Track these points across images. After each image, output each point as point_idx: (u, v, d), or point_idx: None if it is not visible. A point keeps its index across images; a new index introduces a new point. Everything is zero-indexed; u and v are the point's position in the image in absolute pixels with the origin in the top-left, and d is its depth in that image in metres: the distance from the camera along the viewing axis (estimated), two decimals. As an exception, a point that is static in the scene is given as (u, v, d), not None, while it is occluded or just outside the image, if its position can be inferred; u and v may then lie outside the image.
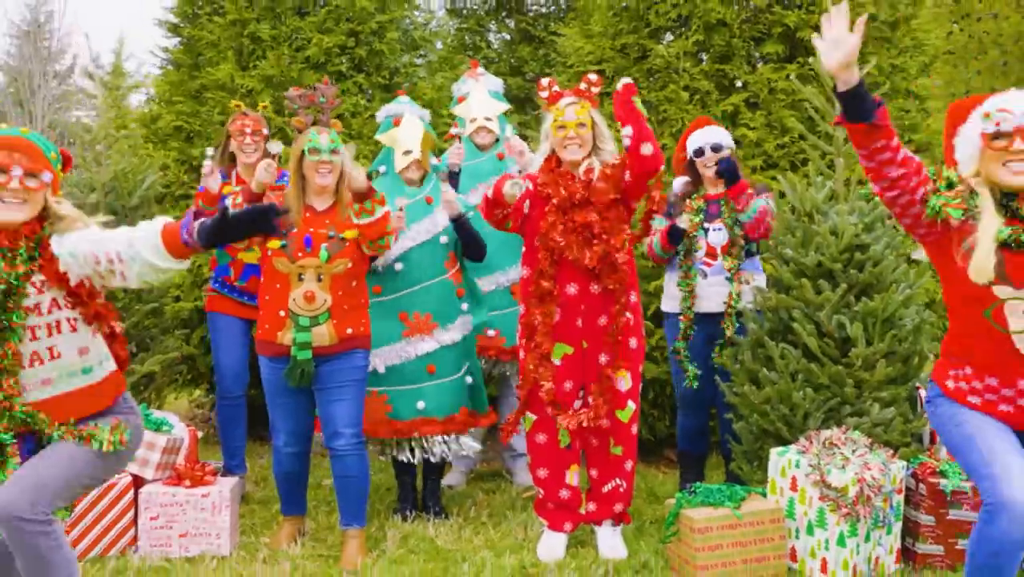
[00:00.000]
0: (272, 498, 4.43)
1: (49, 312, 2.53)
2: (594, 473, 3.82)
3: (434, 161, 4.29)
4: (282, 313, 3.65)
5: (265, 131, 4.45)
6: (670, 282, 4.35)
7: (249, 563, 3.64)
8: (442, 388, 4.11)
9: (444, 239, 4.16)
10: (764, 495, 3.63)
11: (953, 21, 8.41)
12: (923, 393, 3.85)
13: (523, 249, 3.80)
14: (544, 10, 8.06)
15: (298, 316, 3.62)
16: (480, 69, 5.02)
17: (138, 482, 3.79)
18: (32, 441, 2.61)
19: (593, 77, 3.70)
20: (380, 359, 4.07)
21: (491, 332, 4.56)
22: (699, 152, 4.26)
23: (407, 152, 4.16)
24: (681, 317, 4.25)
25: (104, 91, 5.13)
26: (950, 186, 2.53)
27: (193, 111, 5.88)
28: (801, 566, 3.48)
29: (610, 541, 3.75)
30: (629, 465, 3.78)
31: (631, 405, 3.73)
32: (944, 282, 2.65)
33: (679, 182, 4.38)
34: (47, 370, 2.55)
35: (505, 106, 4.91)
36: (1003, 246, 2.47)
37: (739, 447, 4.03)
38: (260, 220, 2.39)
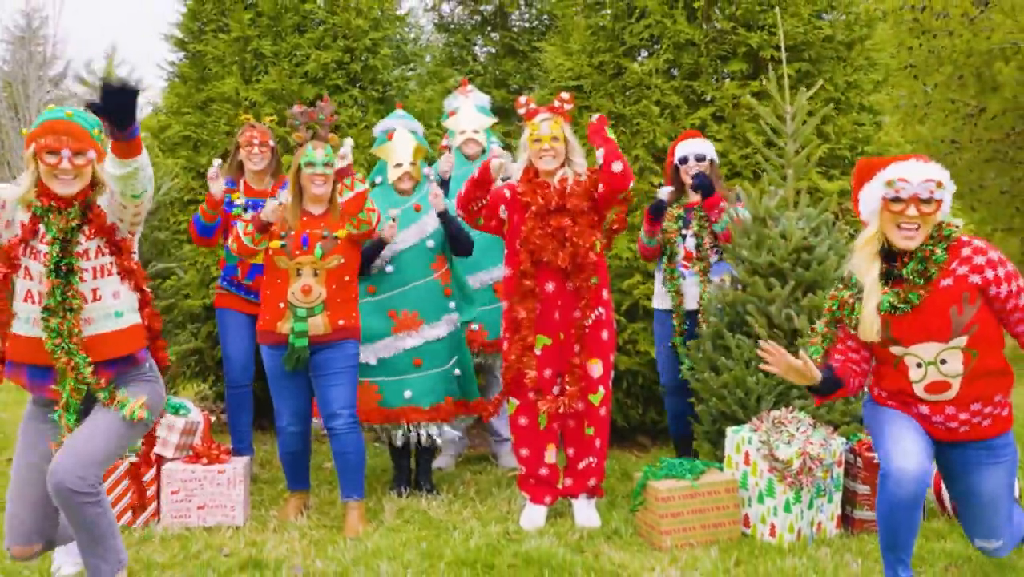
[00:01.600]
0: (277, 479, 4.84)
1: (96, 257, 2.92)
2: (571, 452, 4.23)
3: (426, 170, 4.70)
4: (281, 305, 4.06)
5: (271, 142, 4.84)
6: (657, 282, 4.82)
7: (261, 532, 4.04)
8: (428, 379, 4.51)
9: (431, 243, 4.56)
10: (721, 469, 4.07)
11: (916, 37, 8.90)
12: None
13: (506, 252, 4.22)
14: (527, 25, 8.49)
15: (296, 307, 4.03)
16: (469, 86, 5.44)
17: (160, 460, 4.19)
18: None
19: (566, 95, 4.12)
20: (373, 353, 4.48)
21: (475, 326, 5.00)
22: (683, 160, 4.71)
23: (398, 165, 4.59)
24: (673, 316, 4.72)
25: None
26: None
27: (200, 122, 6.28)
28: (753, 531, 3.91)
29: (585, 512, 4.17)
30: (599, 443, 4.19)
31: (601, 390, 4.13)
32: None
33: (665, 190, 4.79)
34: (89, 310, 2.92)
35: (491, 120, 5.33)
36: (888, 311, 2.86)
37: (700, 427, 4.47)
38: (120, 90, 2.55)
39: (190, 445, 4.27)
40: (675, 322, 4.72)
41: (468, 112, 5.25)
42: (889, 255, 2.91)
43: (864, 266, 2.92)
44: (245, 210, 4.68)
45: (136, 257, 3.05)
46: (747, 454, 3.94)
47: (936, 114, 9.05)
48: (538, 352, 4.11)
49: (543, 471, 4.20)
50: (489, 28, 8.47)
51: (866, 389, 3.16)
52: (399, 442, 4.54)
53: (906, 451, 2.81)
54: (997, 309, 2.86)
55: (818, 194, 5.56)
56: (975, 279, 2.81)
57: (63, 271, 2.86)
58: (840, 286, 3.04)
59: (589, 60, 6.12)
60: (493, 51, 8.45)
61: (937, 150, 8.94)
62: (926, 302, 2.83)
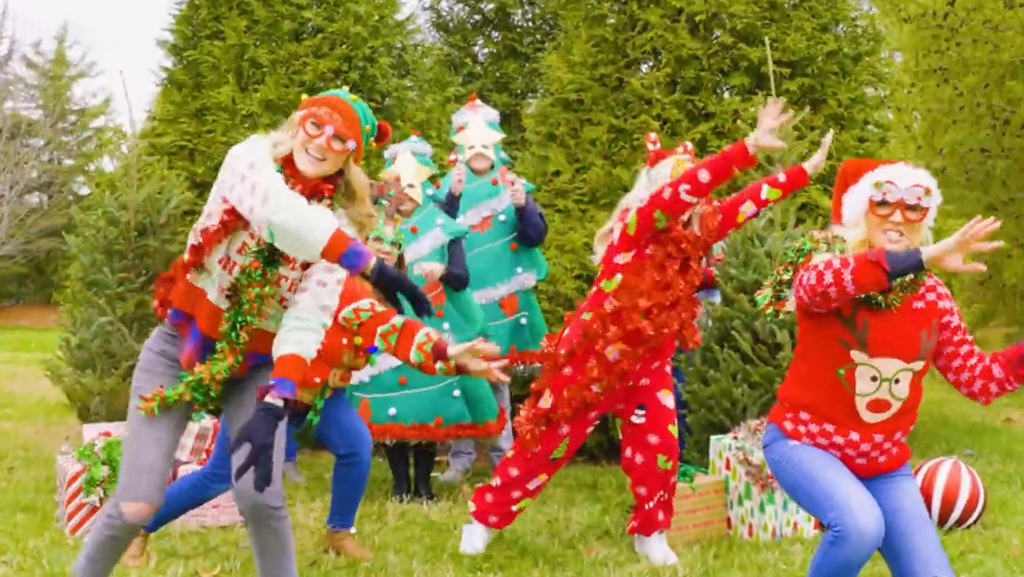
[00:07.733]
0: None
1: (294, 268, 3.13)
2: (642, 490, 4.59)
3: (429, 192, 5.80)
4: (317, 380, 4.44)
5: None
6: None
7: (272, 530, 5.12)
8: (412, 398, 5.55)
9: None
10: (706, 473, 5.15)
11: (944, 40, 9.99)
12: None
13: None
14: (531, 25, 9.60)
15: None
16: (477, 102, 6.49)
17: (176, 463, 5.27)
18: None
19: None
20: (365, 370, 5.47)
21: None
22: None
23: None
24: None
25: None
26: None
27: (196, 131, 7.39)
28: (735, 531, 4.99)
29: (659, 549, 4.60)
30: (674, 480, 4.65)
31: (676, 422, 4.61)
32: (809, 334, 3.18)
33: None
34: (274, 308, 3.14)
35: (500, 135, 6.37)
36: (867, 306, 3.04)
37: (691, 438, 5.57)
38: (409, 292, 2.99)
39: (204, 449, 5.36)
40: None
41: (478, 127, 6.26)
42: None
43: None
44: None
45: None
46: (728, 460, 5.02)
47: (967, 118, 10.07)
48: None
49: (516, 493, 4.63)
50: (490, 28, 9.58)
51: (770, 426, 3.34)
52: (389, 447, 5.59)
53: (863, 506, 2.96)
54: (945, 340, 3.18)
55: (818, 211, 6.66)
56: (944, 305, 3.16)
57: (267, 255, 3.05)
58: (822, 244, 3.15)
59: (591, 72, 7.21)
60: (494, 52, 9.54)
61: (967, 160, 9.94)
62: (904, 318, 3.07)
